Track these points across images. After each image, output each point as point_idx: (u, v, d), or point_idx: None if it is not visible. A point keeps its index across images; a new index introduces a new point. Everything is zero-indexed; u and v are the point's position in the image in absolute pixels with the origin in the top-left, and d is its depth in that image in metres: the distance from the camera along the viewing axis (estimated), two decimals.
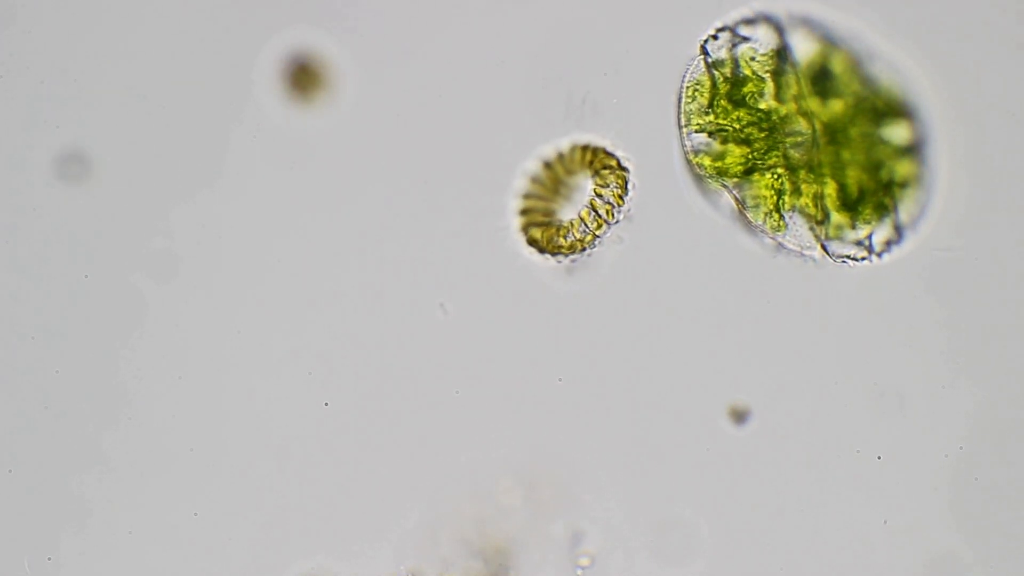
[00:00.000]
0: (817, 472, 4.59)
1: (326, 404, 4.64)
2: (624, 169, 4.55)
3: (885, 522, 4.57)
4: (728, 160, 4.49)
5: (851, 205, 4.46)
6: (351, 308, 4.64)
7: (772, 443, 4.60)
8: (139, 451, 4.65)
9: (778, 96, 4.46)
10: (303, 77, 4.62)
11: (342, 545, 4.64)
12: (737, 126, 4.48)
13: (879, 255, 4.50)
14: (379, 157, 4.63)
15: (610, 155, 4.55)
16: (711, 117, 4.50)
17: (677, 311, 4.59)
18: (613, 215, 4.54)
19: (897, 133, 4.46)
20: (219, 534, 4.64)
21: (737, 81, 4.48)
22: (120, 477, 4.65)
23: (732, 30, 4.50)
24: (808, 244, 4.50)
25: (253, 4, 4.63)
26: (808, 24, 4.49)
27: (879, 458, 4.56)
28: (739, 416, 4.59)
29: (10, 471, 4.64)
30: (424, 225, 4.62)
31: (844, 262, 4.50)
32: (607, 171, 4.54)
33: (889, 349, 4.57)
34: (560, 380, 4.62)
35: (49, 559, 4.65)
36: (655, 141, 4.55)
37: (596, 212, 4.53)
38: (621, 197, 4.54)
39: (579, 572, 4.59)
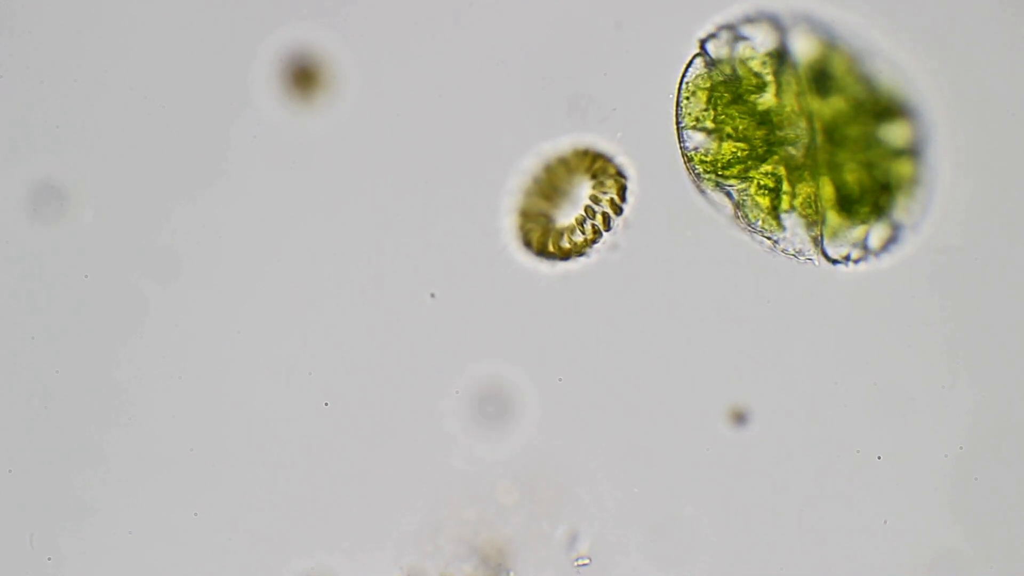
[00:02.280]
0: (817, 472, 4.59)
1: (326, 404, 4.64)
2: (623, 176, 4.55)
3: (885, 522, 4.57)
4: (726, 159, 4.49)
5: (849, 205, 4.46)
6: (351, 308, 4.65)
7: (772, 443, 4.60)
8: (139, 451, 4.65)
9: (777, 95, 4.46)
10: (303, 77, 4.62)
11: (342, 545, 4.64)
12: (736, 125, 4.48)
13: (877, 255, 4.50)
14: (379, 157, 4.63)
15: (610, 162, 4.55)
16: (710, 116, 4.49)
17: (676, 311, 4.59)
18: (608, 224, 4.54)
19: (896, 133, 4.46)
20: (219, 534, 4.65)
21: (736, 80, 4.48)
22: (120, 477, 4.65)
23: (731, 28, 4.49)
24: (806, 244, 4.50)
25: (253, 4, 4.63)
26: (808, 22, 4.49)
27: (879, 458, 4.56)
28: (739, 417, 4.59)
29: (10, 471, 4.65)
30: (424, 225, 4.62)
31: (842, 263, 4.50)
32: (606, 178, 4.54)
33: (889, 349, 4.57)
34: (560, 380, 4.62)
35: (49, 559, 4.65)
36: (653, 140, 4.55)
37: (592, 219, 4.54)
38: (618, 206, 4.54)
39: (578, 572, 4.59)
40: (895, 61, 4.47)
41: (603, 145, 4.56)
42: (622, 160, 4.56)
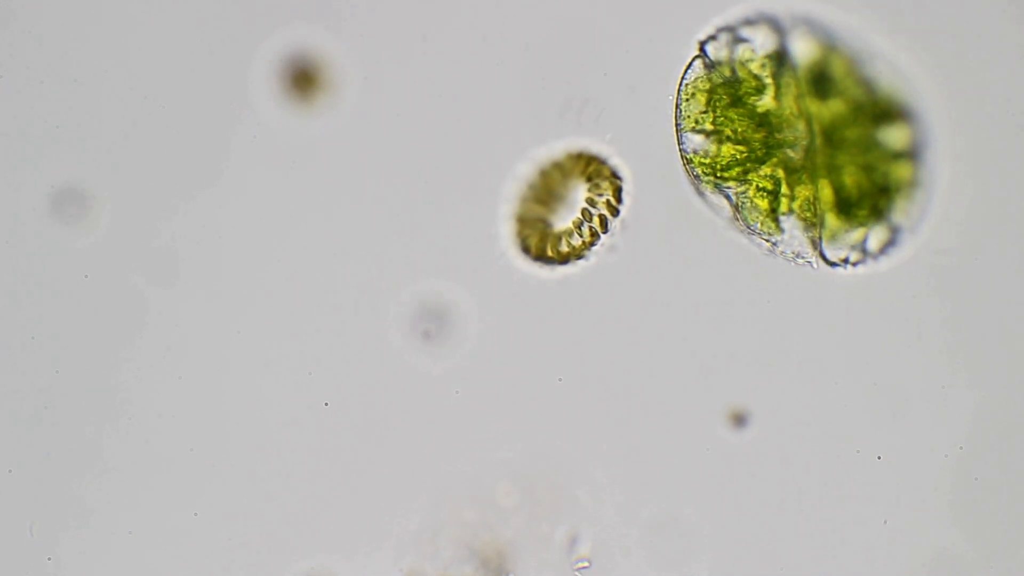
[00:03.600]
0: (817, 472, 4.59)
1: (326, 404, 4.65)
2: (618, 178, 4.55)
3: (885, 522, 4.57)
4: (725, 161, 4.49)
5: (848, 208, 4.45)
6: (350, 309, 4.65)
7: (772, 444, 4.60)
8: (139, 451, 4.66)
9: (776, 97, 4.46)
10: (303, 79, 4.62)
11: (342, 545, 4.65)
12: (735, 127, 4.48)
13: (876, 258, 4.50)
14: (378, 158, 4.63)
15: (605, 164, 4.55)
16: (708, 118, 4.49)
17: (675, 313, 4.59)
18: (606, 226, 4.54)
19: (895, 136, 4.45)
20: (219, 534, 4.66)
21: (735, 82, 4.48)
22: (120, 477, 4.66)
23: (731, 31, 4.49)
24: (805, 246, 4.49)
25: (254, 5, 4.63)
26: (808, 24, 4.48)
27: (879, 458, 4.56)
28: (738, 418, 4.59)
29: (10, 471, 4.66)
30: (423, 227, 4.62)
31: (841, 265, 4.50)
32: (601, 180, 4.54)
33: (889, 350, 4.57)
34: (560, 380, 4.62)
35: (49, 559, 4.66)
36: (652, 142, 4.55)
37: (588, 222, 4.54)
38: (614, 207, 4.54)
39: (577, 574, 4.59)
40: (894, 64, 4.46)
41: (597, 148, 4.56)
42: (616, 162, 4.55)
